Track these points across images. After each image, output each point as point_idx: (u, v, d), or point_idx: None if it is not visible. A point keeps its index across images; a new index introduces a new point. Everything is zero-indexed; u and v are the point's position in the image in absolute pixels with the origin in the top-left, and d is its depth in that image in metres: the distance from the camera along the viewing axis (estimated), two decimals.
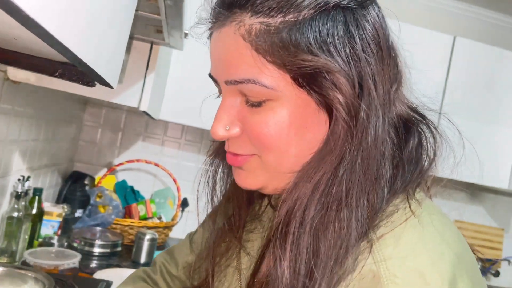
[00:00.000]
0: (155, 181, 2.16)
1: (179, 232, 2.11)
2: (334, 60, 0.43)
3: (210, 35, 0.51)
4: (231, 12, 0.46)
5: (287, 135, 0.45)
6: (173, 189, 2.08)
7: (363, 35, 0.45)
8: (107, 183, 1.97)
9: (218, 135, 0.48)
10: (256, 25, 0.44)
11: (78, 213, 1.77)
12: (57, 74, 0.58)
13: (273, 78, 0.44)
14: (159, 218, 1.95)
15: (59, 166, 1.84)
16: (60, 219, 1.58)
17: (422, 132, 0.51)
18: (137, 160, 2.03)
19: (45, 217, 1.50)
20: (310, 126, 0.45)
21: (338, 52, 0.43)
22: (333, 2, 0.44)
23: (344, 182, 0.43)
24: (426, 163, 0.50)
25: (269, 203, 0.59)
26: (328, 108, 0.45)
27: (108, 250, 1.64)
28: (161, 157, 2.15)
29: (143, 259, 1.65)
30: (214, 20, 0.48)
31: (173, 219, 2.03)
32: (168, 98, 1.80)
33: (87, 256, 1.56)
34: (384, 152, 0.46)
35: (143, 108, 1.32)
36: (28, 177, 1.33)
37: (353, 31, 0.44)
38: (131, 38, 1.31)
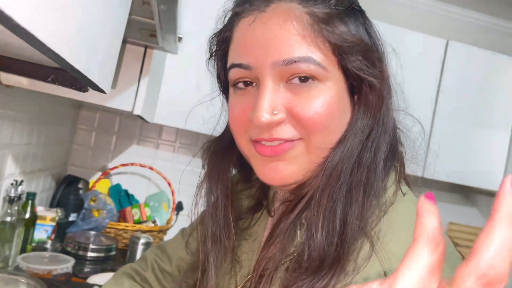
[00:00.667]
0: (150, 184, 2.15)
1: (173, 236, 2.11)
2: (367, 44, 0.50)
3: (233, 25, 0.52)
4: (275, 0, 0.49)
5: (333, 114, 0.48)
6: (168, 192, 2.08)
7: (375, 32, 0.53)
8: (101, 187, 1.96)
9: (262, 121, 0.46)
10: (306, 9, 0.48)
11: (72, 217, 1.76)
12: (49, 79, 0.58)
13: (324, 57, 0.47)
14: (154, 221, 1.94)
15: (52, 170, 1.83)
16: (54, 224, 1.57)
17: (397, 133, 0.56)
18: (132, 164, 2.02)
19: (38, 222, 1.49)
20: (344, 108, 0.50)
21: (368, 39, 0.51)
22: (353, 5, 0.52)
23: (372, 151, 0.49)
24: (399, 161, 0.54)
25: (267, 211, 0.61)
26: (354, 92, 0.51)
27: (102, 255, 1.63)
28: (156, 161, 2.14)
29: None
30: (251, 8, 0.50)
31: (167, 222, 2.02)
32: (162, 102, 1.80)
33: (81, 260, 1.55)
34: (392, 131, 0.53)
35: (137, 112, 1.32)
36: (21, 181, 1.32)
37: (369, 27, 0.53)
38: (124, 42, 1.31)
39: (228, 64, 0.52)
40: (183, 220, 2.15)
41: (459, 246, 0.49)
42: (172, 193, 2.04)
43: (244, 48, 0.49)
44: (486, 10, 2.37)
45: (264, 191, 0.63)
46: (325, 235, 0.45)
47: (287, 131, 0.48)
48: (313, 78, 0.47)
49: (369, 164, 0.48)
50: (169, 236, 2.06)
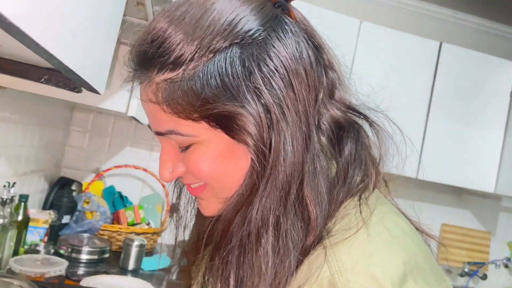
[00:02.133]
0: (144, 186, 2.14)
1: (168, 238, 2.10)
2: (236, 101, 0.45)
3: None
4: (142, 70, 0.47)
5: (218, 168, 0.48)
6: (162, 194, 2.07)
7: (264, 67, 0.45)
8: (95, 189, 1.95)
9: (165, 178, 0.52)
10: (162, 83, 0.46)
11: (65, 219, 1.75)
12: (42, 80, 0.58)
13: (189, 127, 0.47)
14: (148, 224, 1.93)
15: (45, 172, 1.82)
16: (47, 226, 1.55)
17: (360, 131, 0.52)
18: (126, 166, 2.01)
19: (31, 224, 1.48)
20: (235, 158, 0.48)
21: (238, 92, 0.45)
22: (228, 42, 0.44)
23: (260, 209, 0.46)
24: (371, 161, 0.51)
25: None
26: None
27: (95, 257, 1.62)
28: (150, 162, 2.13)
29: (131, 265, 1.63)
30: (132, 76, 0.50)
31: (161, 224, 2.01)
32: None
33: (74, 263, 1.54)
34: (311, 166, 0.47)
35: (131, 113, 1.32)
36: (14, 183, 1.31)
37: (251, 67, 0.45)
38: (119, 43, 1.30)
39: None
40: None
41: (444, 246, 0.49)
42: (166, 195, 2.03)
43: None
44: (479, 12, 2.40)
45: None
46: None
47: (191, 179, 0.52)
48: (191, 143, 0.48)
49: (258, 223, 0.46)
50: (163, 238, 2.05)
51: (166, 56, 0.45)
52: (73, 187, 1.92)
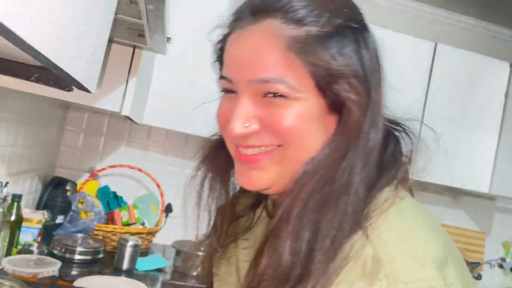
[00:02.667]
0: (139, 186, 2.14)
1: (163, 238, 2.09)
2: (349, 67, 0.50)
3: (225, 38, 0.55)
4: (260, 18, 0.50)
5: (303, 128, 0.50)
6: (157, 194, 2.06)
7: (369, 51, 0.52)
8: (89, 188, 1.94)
9: (235, 133, 0.50)
10: (286, 30, 0.49)
11: (59, 219, 1.74)
12: (33, 78, 0.57)
13: (297, 80, 0.49)
14: (142, 224, 1.93)
15: (39, 172, 1.81)
16: (40, 226, 1.54)
17: (399, 139, 0.57)
18: (120, 165, 2.00)
19: (24, 224, 1.47)
20: (320, 126, 0.51)
21: (353, 61, 0.50)
22: (346, 23, 0.51)
23: (347, 172, 0.49)
24: (403, 166, 0.55)
25: (266, 212, 0.63)
26: (337, 112, 0.52)
27: (89, 257, 1.61)
28: (145, 162, 2.13)
29: (125, 265, 1.62)
30: (240, 23, 0.52)
31: (156, 224, 2.00)
32: (151, 103, 1.79)
33: (67, 263, 1.53)
34: (376, 151, 0.51)
35: (125, 112, 1.31)
36: (7, 183, 1.30)
37: (362, 46, 0.52)
38: (113, 42, 1.30)
39: (219, 74, 0.56)
40: (173, 222, 2.13)
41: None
42: (161, 195, 2.03)
43: (228, 63, 0.54)
44: (474, 13, 2.40)
45: None
46: (290, 255, 0.47)
47: (259, 140, 0.52)
48: (286, 96, 0.50)
49: (341, 187, 0.49)
50: (158, 238, 2.04)
51: (303, 7, 0.50)
52: (67, 187, 1.90)
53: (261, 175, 0.52)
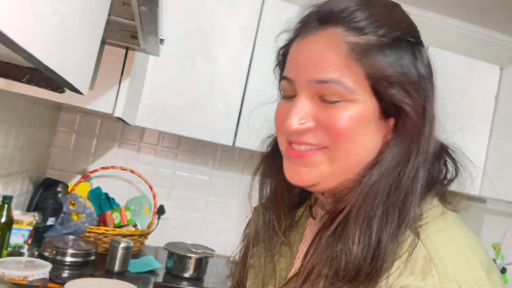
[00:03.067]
0: (131, 188, 2.13)
1: (155, 240, 2.08)
2: (406, 75, 0.54)
3: (290, 43, 0.60)
4: (325, 25, 0.55)
5: (356, 128, 0.53)
6: (149, 196, 2.06)
7: (424, 65, 0.56)
8: (81, 190, 1.93)
9: (291, 128, 0.54)
10: (347, 37, 0.53)
11: (50, 221, 1.72)
12: (24, 79, 0.57)
13: (355, 82, 0.52)
14: (135, 225, 1.92)
15: (30, 173, 1.79)
16: (31, 228, 1.53)
17: (447, 158, 0.61)
18: (112, 167, 1.99)
19: (14, 226, 1.45)
20: (373, 129, 0.54)
21: (409, 70, 0.54)
22: (404, 37, 0.55)
23: (412, 175, 0.53)
24: (447, 181, 0.59)
25: (309, 212, 0.67)
26: (392, 117, 0.55)
27: (80, 259, 1.60)
28: (137, 164, 2.12)
29: (117, 267, 1.61)
30: (306, 29, 0.57)
31: (149, 226, 2.00)
32: (144, 104, 1.78)
33: (58, 265, 1.52)
34: (432, 158, 0.56)
35: (117, 114, 1.30)
36: None
37: (418, 58, 0.56)
38: (105, 43, 1.29)
39: (281, 75, 0.61)
40: (165, 224, 2.13)
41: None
42: (154, 196, 2.02)
43: (291, 64, 0.58)
44: (466, 18, 2.43)
45: (306, 190, 0.67)
46: (361, 248, 0.50)
47: (313, 137, 0.55)
48: (343, 98, 0.53)
49: (406, 189, 0.52)
50: (150, 240, 2.04)
51: (367, 18, 0.54)
52: (59, 189, 1.89)
53: (310, 172, 0.55)
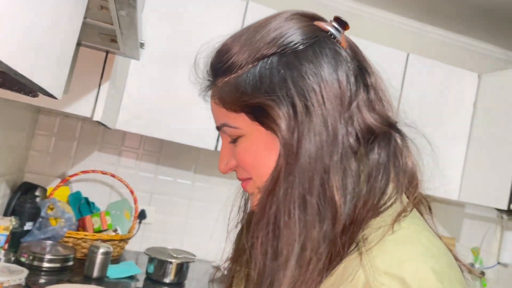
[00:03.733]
0: (112, 192, 2.10)
1: (135, 245, 2.06)
2: (268, 95, 0.54)
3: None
4: (212, 78, 0.61)
5: (258, 159, 0.57)
6: (130, 200, 2.04)
7: (295, 72, 0.54)
8: (60, 194, 1.90)
9: (221, 169, 0.62)
10: (220, 84, 0.59)
11: (28, 226, 1.69)
12: None
13: (236, 120, 0.58)
14: (115, 230, 1.89)
15: (7, 177, 1.76)
16: (7, 233, 1.50)
17: (391, 140, 0.58)
18: (93, 171, 1.97)
19: None
20: (273, 148, 0.56)
21: (271, 90, 0.54)
22: (271, 51, 0.55)
23: (284, 191, 0.53)
24: (403, 172, 0.57)
25: None
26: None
27: (58, 265, 1.57)
28: (118, 168, 2.10)
29: (95, 273, 1.59)
30: (208, 85, 0.63)
31: (129, 231, 1.98)
32: (125, 108, 1.77)
33: (35, 271, 1.49)
34: (337, 160, 0.53)
35: (96, 118, 1.29)
36: None
37: (284, 71, 0.55)
38: (85, 46, 1.28)
39: None
40: (146, 229, 2.11)
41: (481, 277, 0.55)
42: (135, 201, 2.00)
43: None
44: (445, 26, 2.48)
45: None
46: (261, 258, 0.53)
47: (240, 172, 0.61)
48: (237, 135, 0.59)
49: (281, 197, 0.53)
50: (130, 245, 2.01)
51: (225, 63, 0.57)
52: (37, 193, 1.86)
53: (253, 198, 0.61)
